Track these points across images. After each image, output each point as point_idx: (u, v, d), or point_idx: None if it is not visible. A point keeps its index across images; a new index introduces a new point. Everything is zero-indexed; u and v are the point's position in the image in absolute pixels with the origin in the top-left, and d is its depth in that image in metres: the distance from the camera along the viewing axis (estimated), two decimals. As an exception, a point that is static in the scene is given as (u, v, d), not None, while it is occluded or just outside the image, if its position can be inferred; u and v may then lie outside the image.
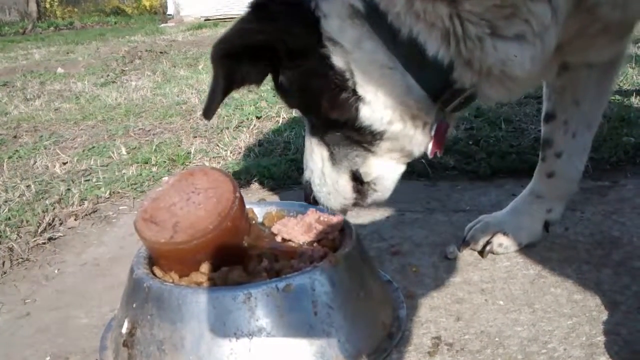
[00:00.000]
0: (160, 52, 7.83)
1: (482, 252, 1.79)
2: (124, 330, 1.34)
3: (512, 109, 3.45)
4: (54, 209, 2.39)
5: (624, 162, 2.45)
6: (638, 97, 3.42)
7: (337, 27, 1.18)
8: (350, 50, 1.18)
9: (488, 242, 1.79)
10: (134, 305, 1.33)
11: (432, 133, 1.28)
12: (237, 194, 1.38)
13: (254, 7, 1.25)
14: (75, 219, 2.32)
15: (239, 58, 1.23)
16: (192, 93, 4.76)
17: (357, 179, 1.41)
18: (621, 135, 2.70)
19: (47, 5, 20.89)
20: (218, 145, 3.21)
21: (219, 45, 1.24)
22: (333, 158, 1.39)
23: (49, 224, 2.25)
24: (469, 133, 2.98)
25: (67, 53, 8.71)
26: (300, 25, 1.20)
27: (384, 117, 1.24)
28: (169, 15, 16.32)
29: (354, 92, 1.22)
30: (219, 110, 4.07)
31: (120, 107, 4.42)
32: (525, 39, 1.10)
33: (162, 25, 14.07)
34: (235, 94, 4.45)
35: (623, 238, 1.80)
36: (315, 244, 1.46)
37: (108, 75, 6.15)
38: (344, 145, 1.35)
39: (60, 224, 2.29)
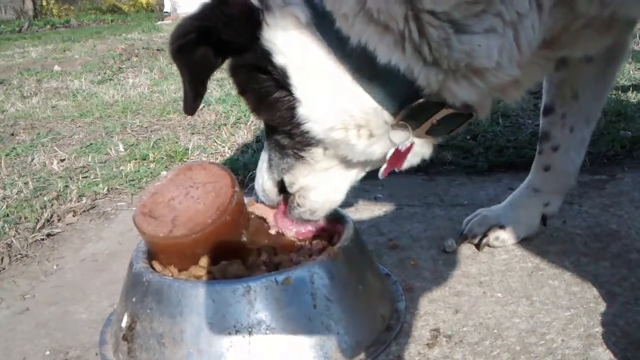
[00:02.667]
0: (157, 50, 7.81)
1: (478, 246, 1.79)
2: (124, 324, 1.34)
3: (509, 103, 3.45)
4: (52, 205, 2.39)
5: (621, 156, 2.46)
6: (634, 92, 3.44)
7: (280, 37, 1.13)
8: (293, 60, 1.13)
9: (485, 236, 1.80)
10: (134, 300, 1.33)
11: (388, 157, 1.22)
12: (236, 188, 1.39)
13: None
14: (74, 215, 2.33)
15: (194, 46, 1.16)
16: (189, 90, 4.74)
17: (284, 189, 1.38)
18: (618, 130, 2.71)
19: (44, 3, 20.78)
20: (216, 142, 3.21)
21: (170, 41, 1.18)
22: (269, 161, 1.36)
23: (48, 220, 2.25)
24: (466, 128, 2.97)
25: (64, 51, 8.67)
26: (239, 23, 1.14)
27: (325, 123, 1.17)
28: (165, 12, 16.31)
29: (291, 94, 1.16)
30: (217, 107, 4.05)
31: (118, 105, 4.41)
32: (494, 30, 1.02)
33: (159, 22, 14.01)
34: (233, 91, 4.45)
35: (621, 231, 1.81)
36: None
37: (105, 73, 6.14)
38: (277, 151, 1.31)
39: (59, 220, 2.29)
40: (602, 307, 1.43)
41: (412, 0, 1.00)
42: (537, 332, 1.35)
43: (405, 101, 1.14)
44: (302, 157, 1.27)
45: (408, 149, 1.23)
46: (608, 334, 1.32)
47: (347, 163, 1.28)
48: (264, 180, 1.40)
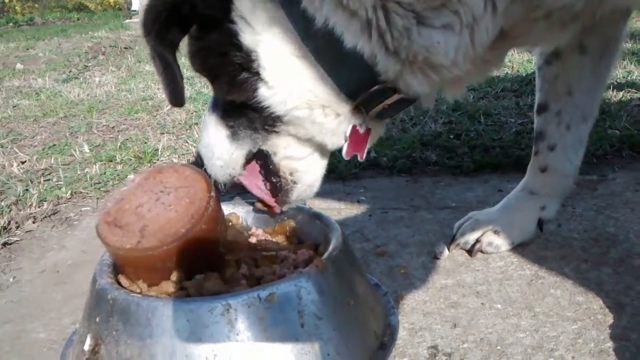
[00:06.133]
0: (125, 48, 7.61)
1: (471, 252, 1.68)
2: (86, 347, 1.19)
3: (490, 102, 3.38)
4: (10, 210, 2.22)
5: (610, 156, 2.39)
6: (615, 91, 3.39)
7: (249, 7, 1.10)
8: (259, 32, 1.11)
9: (478, 241, 1.69)
10: (97, 319, 1.18)
11: (347, 134, 1.22)
12: (212, 194, 1.25)
13: None
14: (34, 222, 2.15)
15: (168, 26, 1.13)
16: (158, 88, 4.57)
17: (264, 161, 1.32)
18: (605, 129, 2.64)
19: (6, 1, 20.22)
20: (187, 142, 3.05)
21: (145, 26, 1.14)
22: (233, 134, 1.29)
23: (5, 228, 2.07)
24: (448, 127, 2.89)
25: (27, 49, 8.37)
26: None
27: (287, 102, 1.17)
28: (133, 11, 15.97)
29: (257, 74, 1.14)
30: (187, 105, 3.89)
31: (83, 104, 4.21)
32: (452, 29, 1.05)
33: (127, 21, 13.69)
34: (204, 89, 4.29)
35: (619, 235, 1.72)
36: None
37: (70, 71, 5.91)
38: (244, 125, 1.27)
39: (17, 227, 2.11)
40: (610, 318, 1.32)
41: None
42: (544, 348, 1.24)
43: (363, 86, 1.15)
44: (275, 132, 1.25)
45: (367, 133, 1.26)
46: (621, 349, 1.21)
47: (319, 143, 1.27)
48: (229, 150, 1.30)
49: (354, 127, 1.22)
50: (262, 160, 1.33)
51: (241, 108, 1.22)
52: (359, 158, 1.27)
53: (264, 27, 1.10)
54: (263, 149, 1.29)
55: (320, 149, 1.30)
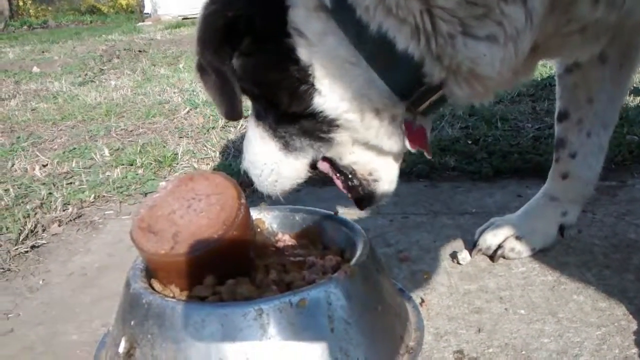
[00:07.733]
0: (139, 51, 7.65)
1: (493, 257, 1.70)
2: (121, 349, 1.22)
3: (506, 107, 3.39)
4: (35, 214, 2.26)
5: (629, 161, 2.39)
6: (632, 96, 3.38)
7: (302, 18, 1.13)
8: (314, 43, 1.14)
9: (500, 247, 1.70)
10: (132, 323, 1.21)
11: (403, 128, 1.25)
12: (242, 200, 1.28)
13: None
14: (59, 225, 2.19)
15: (223, 43, 1.18)
16: (174, 92, 4.62)
17: (336, 167, 1.35)
18: (623, 134, 2.64)
19: (20, 4, 20.36)
20: (206, 146, 3.09)
21: (203, 43, 1.18)
22: (287, 147, 1.32)
23: (31, 231, 2.11)
24: (465, 132, 2.90)
25: (43, 52, 8.46)
26: (270, 7, 1.15)
27: (339, 107, 1.20)
28: (146, 14, 16.07)
29: (313, 85, 1.18)
30: (204, 110, 3.91)
31: (101, 107, 4.26)
32: (497, 41, 1.06)
33: (140, 24, 13.80)
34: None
35: (640, 241, 1.73)
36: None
37: (86, 75, 5.97)
38: (300, 135, 1.29)
39: (43, 230, 2.16)
40: (635, 325, 1.34)
41: None
42: (568, 353, 1.26)
43: (414, 86, 1.17)
44: (333, 138, 1.27)
45: (422, 129, 1.29)
46: (646, 355, 1.23)
47: (376, 146, 1.28)
48: (287, 162, 1.33)
49: (407, 123, 1.25)
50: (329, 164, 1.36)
51: (296, 118, 1.25)
52: (426, 155, 1.31)
53: (318, 38, 1.13)
54: (328, 156, 1.32)
55: (384, 154, 1.32)
